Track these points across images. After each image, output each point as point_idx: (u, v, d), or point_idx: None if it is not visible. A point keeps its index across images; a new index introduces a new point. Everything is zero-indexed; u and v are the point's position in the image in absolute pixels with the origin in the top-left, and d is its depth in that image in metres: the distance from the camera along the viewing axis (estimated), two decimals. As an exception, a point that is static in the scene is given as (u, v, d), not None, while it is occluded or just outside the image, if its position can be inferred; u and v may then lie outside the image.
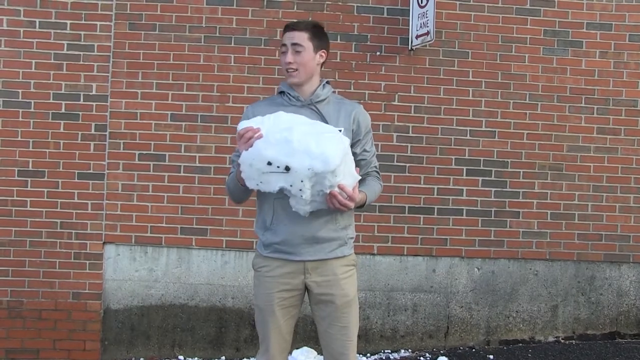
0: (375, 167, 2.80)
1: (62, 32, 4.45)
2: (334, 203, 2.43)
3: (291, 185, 2.39)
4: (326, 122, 2.61)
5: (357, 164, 2.64)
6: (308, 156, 2.33)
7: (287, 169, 2.36)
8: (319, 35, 2.69)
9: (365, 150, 2.72)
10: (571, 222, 4.75)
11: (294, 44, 2.63)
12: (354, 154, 2.61)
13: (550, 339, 4.78)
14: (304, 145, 2.34)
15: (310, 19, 4.57)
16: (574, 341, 4.77)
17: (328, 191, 2.39)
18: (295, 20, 2.76)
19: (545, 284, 4.77)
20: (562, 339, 4.79)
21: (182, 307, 4.59)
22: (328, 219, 2.63)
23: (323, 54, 2.72)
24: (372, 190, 2.71)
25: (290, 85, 2.70)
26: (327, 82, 2.78)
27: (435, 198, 4.67)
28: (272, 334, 2.73)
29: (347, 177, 2.42)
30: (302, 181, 2.36)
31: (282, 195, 2.58)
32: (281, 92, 2.74)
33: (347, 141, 2.47)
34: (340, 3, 4.61)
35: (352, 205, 2.48)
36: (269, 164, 2.38)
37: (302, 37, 2.63)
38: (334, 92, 2.79)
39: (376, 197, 2.77)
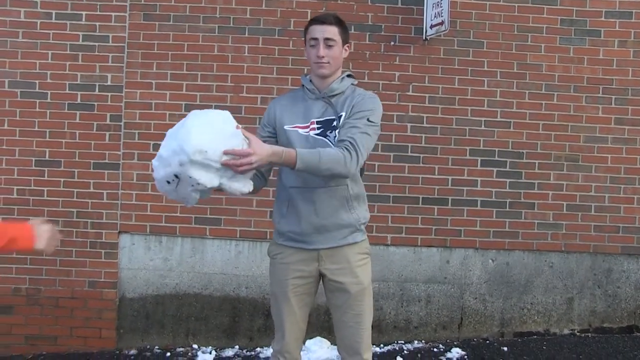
0: (349, 137, 2.54)
1: (77, 23, 4.48)
2: (235, 170, 2.31)
3: (193, 185, 2.31)
4: (336, 113, 2.66)
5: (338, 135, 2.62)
6: (175, 152, 2.27)
7: (176, 176, 2.30)
8: (345, 30, 2.75)
9: (348, 123, 2.59)
10: (587, 214, 4.69)
11: (327, 39, 2.65)
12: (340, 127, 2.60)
13: (566, 331, 4.75)
14: (172, 146, 2.28)
15: (324, 9, 4.56)
16: (590, 334, 4.72)
17: (219, 166, 2.28)
18: (322, 13, 2.81)
19: (561, 276, 4.73)
20: (578, 331, 4.75)
21: (196, 297, 4.62)
22: (339, 206, 2.66)
23: (347, 48, 2.77)
24: (316, 152, 2.46)
25: (319, 77, 2.72)
26: (350, 75, 2.79)
27: (450, 189, 4.65)
28: (287, 321, 2.77)
29: (228, 143, 2.29)
30: (190, 177, 2.27)
31: (298, 184, 2.67)
32: (302, 85, 2.80)
33: (218, 115, 2.34)
34: (354, -7, 4.59)
35: (253, 159, 2.29)
36: (168, 182, 2.33)
37: (334, 32, 2.67)
38: (354, 84, 2.79)
39: (325, 161, 2.45)
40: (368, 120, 2.61)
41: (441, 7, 4.25)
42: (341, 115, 2.66)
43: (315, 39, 2.67)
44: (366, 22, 4.59)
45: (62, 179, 4.50)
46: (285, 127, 2.72)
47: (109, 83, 4.51)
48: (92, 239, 4.51)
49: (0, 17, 4.45)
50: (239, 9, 4.56)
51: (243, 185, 2.41)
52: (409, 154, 4.62)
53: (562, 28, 4.64)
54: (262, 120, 2.84)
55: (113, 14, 4.49)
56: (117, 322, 4.59)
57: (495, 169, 4.66)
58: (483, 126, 4.64)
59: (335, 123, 2.65)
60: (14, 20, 4.46)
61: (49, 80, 4.49)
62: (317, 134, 2.66)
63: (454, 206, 4.66)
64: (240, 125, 2.35)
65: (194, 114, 2.34)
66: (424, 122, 4.62)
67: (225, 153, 2.27)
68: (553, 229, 4.69)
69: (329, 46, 2.66)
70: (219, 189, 2.38)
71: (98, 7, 4.49)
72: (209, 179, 2.29)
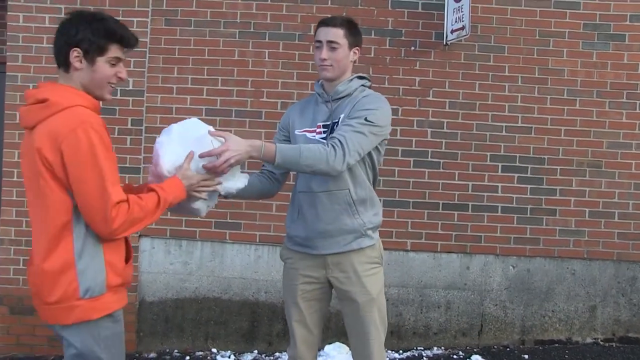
0: (339, 135, 2.48)
1: (100, 28, 4.52)
2: (216, 171, 2.30)
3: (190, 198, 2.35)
4: (332, 119, 2.62)
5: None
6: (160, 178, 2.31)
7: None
8: (353, 32, 2.68)
9: (344, 122, 2.54)
10: (611, 221, 4.63)
11: (329, 41, 2.61)
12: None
13: (589, 340, 4.68)
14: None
15: (344, 14, 4.55)
16: (614, 344, 4.65)
17: (203, 172, 2.29)
18: (329, 16, 2.76)
19: (583, 283, 4.67)
20: (601, 340, 4.67)
21: (216, 301, 4.64)
22: (342, 211, 2.62)
23: (357, 51, 2.71)
24: (297, 148, 2.42)
25: (323, 80, 2.70)
26: (360, 77, 2.74)
27: (470, 194, 4.61)
28: (296, 326, 2.76)
29: (199, 148, 2.30)
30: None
31: (303, 188, 2.67)
32: None
33: (180, 126, 2.34)
34: (374, -2, 4.59)
35: (227, 155, 2.26)
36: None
37: (337, 34, 2.62)
38: (365, 86, 2.73)
39: (306, 157, 2.39)
40: (366, 119, 2.51)
41: (462, 11, 4.23)
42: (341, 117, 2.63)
43: (320, 41, 2.64)
44: (386, 27, 4.58)
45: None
46: (296, 131, 2.73)
47: (130, 88, 4.55)
48: (113, 242, 4.54)
49: (25, 23, 4.52)
50: (259, 14, 4.58)
51: (235, 182, 2.42)
52: (429, 159, 4.59)
53: (585, 32, 4.59)
54: (278, 124, 2.87)
55: (135, 19, 4.54)
56: (137, 326, 4.62)
57: (516, 175, 4.61)
58: (504, 131, 4.61)
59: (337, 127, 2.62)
60: (39, 26, 4.52)
61: (71, 85, 4.54)
62: (322, 138, 2.63)
63: (474, 212, 4.63)
64: (211, 127, 2.36)
65: (162, 142, 2.35)
66: (445, 128, 4.59)
67: (201, 157, 2.27)
68: (575, 236, 4.63)
69: (333, 49, 2.61)
70: (219, 193, 2.41)
71: (120, 12, 4.53)
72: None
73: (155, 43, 4.56)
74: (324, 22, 2.67)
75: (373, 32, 4.56)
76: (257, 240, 4.60)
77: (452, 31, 4.36)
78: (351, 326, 2.71)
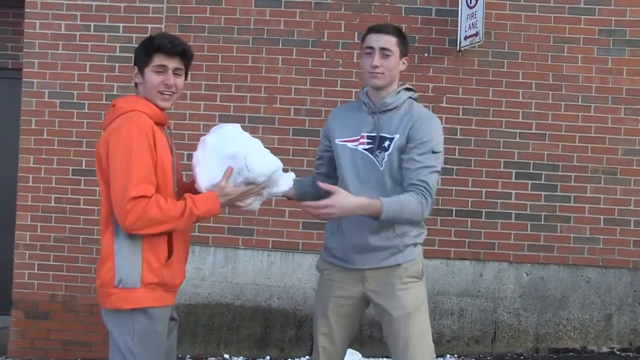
0: (426, 183, 2.47)
1: (115, 35, 4.57)
2: (313, 214, 2.36)
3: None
4: (387, 131, 2.55)
5: (403, 173, 2.51)
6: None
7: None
8: (404, 41, 2.63)
9: (413, 159, 2.49)
10: (626, 229, 4.59)
11: (382, 48, 2.54)
12: (400, 159, 2.52)
13: (604, 349, 4.63)
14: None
15: (357, 21, 4.57)
16: (631, 353, 4.59)
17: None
18: (380, 23, 2.70)
19: (598, 291, 4.62)
20: (618, 350, 4.62)
21: (228, 307, 4.64)
22: (380, 228, 2.54)
23: (405, 61, 2.65)
24: (398, 203, 2.43)
25: (372, 88, 2.61)
26: (407, 89, 2.65)
27: (483, 201, 4.59)
28: (322, 339, 2.69)
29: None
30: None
31: None
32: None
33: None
34: (388, 4, 4.58)
35: (332, 211, 2.31)
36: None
37: (391, 42, 2.55)
38: (412, 98, 2.64)
39: (407, 211, 2.44)
40: (433, 152, 2.49)
41: (476, 18, 4.22)
42: (394, 138, 2.53)
43: (371, 47, 2.56)
44: (400, 33, 4.58)
45: (97, 188, 4.56)
46: (336, 140, 2.67)
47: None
48: (127, 247, 4.57)
49: (42, 30, 4.56)
50: (273, 20, 4.60)
51: (279, 187, 2.45)
52: (443, 165, 4.56)
53: (600, 38, 4.56)
54: (321, 132, 2.83)
55: (149, 25, 4.57)
56: (150, 330, 4.63)
57: (530, 182, 4.59)
58: (518, 138, 4.59)
59: (386, 144, 2.54)
60: (55, 33, 4.56)
61: (86, 91, 4.58)
62: (365, 149, 2.57)
63: (488, 219, 4.60)
64: (246, 134, 2.41)
65: (198, 160, 2.36)
66: (458, 134, 4.58)
67: (310, 207, 2.35)
68: (590, 243, 4.59)
69: (385, 56, 2.54)
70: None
71: (135, 19, 4.57)
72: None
73: (170, 49, 4.59)
74: (376, 29, 2.60)
75: (386, 38, 4.56)
76: (270, 247, 4.60)
77: (466, 37, 4.36)
78: (390, 343, 2.62)
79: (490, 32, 4.50)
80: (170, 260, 2.32)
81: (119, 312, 2.29)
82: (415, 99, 2.67)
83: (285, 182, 2.46)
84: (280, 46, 4.60)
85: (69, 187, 4.58)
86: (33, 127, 4.57)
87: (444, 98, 4.59)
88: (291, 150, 4.58)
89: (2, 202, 5.20)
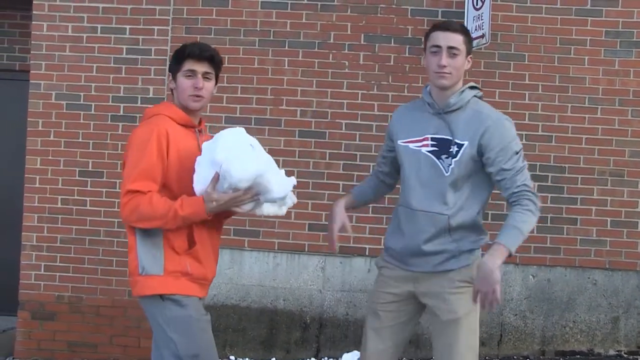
0: (524, 185, 2.45)
1: (121, 37, 4.58)
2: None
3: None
4: (453, 135, 2.49)
5: (496, 183, 2.50)
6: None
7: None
8: (470, 39, 2.58)
9: (503, 169, 2.45)
10: (633, 231, 4.57)
11: (450, 47, 2.47)
12: (489, 173, 2.48)
13: (611, 352, 4.61)
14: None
15: (364, 22, 4.57)
16: (639, 357, 4.56)
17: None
18: (446, 20, 2.63)
19: (605, 294, 4.61)
20: (625, 353, 4.60)
21: (234, 308, 4.64)
22: (437, 233, 2.50)
23: (470, 60, 2.58)
24: (515, 232, 2.40)
25: (438, 88, 2.54)
26: (472, 87, 2.58)
27: (490, 203, 4.48)
28: (370, 334, 2.65)
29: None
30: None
31: (402, 203, 2.61)
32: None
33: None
34: (394, 6, 4.58)
35: (493, 297, 2.30)
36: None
37: (458, 40, 2.49)
38: (477, 96, 2.58)
39: (526, 229, 2.42)
40: (516, 153, 2.46)
41: (482, 19, 4.22)
42: (463, 145, 2.47)
43: (438, 46, 2.48)
44: (406, 35, 4.58)
45: (104, 190, 4.59)
46: (399, 141, 2.62)
47: (150, 95, 4.59)
48: (133, 248, 4.58)
49: (49, 32, 4.58)
50: (279, 22, 4.60)
51: (278, 191, 2.40)
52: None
53: (607, 40, 4.55)
54: (385, 134, 2.79)
55: (156, 27, 4.58)
56: (156, 332, 4.64)
57: (536, 184, 4.53)
58: (524, 140, 4.55)
59: (453, 150, 2.48)
60: (62, 35, 4.58)
61: (93, 93, 4.59)
62: (429, 152, 2.52)
63: (494, 220, 4.56)
64: (249, 139, 2.40)
65: (198, 162, 2.39)
66: (464, 136, 4.57)
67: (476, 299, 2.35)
68: (597, 246, 4.57)
69: (453, 55, 2.46)
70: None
71: (141, 21, 4.58)
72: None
73: (176, 51, 4.60)
74: (443, 27, 2.53)
75: (392, 40, 4.56)
76: (276, 248, 4.61)
77: (472, 39, 4.34)
78: (434, 344, 2.59)
79: (497, 34, 4.50)
80: (191, 250, 2.41)
81: (149, 300, 2.41)
82: (480, 97, 2.60)
83: (280, 187, 2.39)
84: (286, 48, 4.61)
85: (76, 188, 4.59)
86: (40, 128, 4.59)
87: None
88: (297, 152, 4.58)
89: (9, 203, 5.22)
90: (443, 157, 2.49)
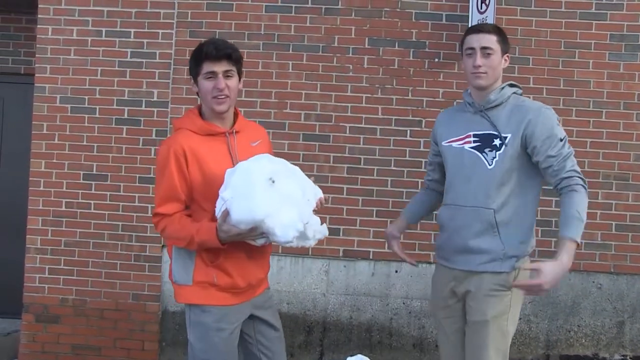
0: (573, 170, 2.49)
1: (126, 40, 4.59)
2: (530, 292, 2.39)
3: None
4: (496, 129, 2.53)
5: (544, 172, 2.52)
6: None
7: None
8: (504, 38, 2.62)
9: (549, 156, 2.48)
10: (638, 235, 4.54)
11: (484, 47, 2.54)
12: (536, 162, 2.50)
13: (617, 357, 4.59)
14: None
15: (368, 26, 4.57)
16: (643, 362, 4.57)
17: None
18: (479, 23, 2.73)
19: (610, 298, 4.59)
20: (630, 358, 4.58)
21: (238, 311, 4.63)
22: (482, 230, 2.51)
23: (507, 58, 2.64)
24: (575, 219, 2.42)
25: (476, 88, 2.61)
26: (511, 85, 2.65)
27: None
28: (440, 343, 2.69)
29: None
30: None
31: (447, 201, 2.64)
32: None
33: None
34: (398, 10, 4.58)
35: (548, 287, 2.32)
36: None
37: (491, 40, 2.55)
38: (517, 93, 2.64)
39: (583, 211, 2.47)
40: (560, 140, 2.50)
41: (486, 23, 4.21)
42: (507, 137, 2.50)
43: (472, 48, 2.56)
44: (410, 38, 4.58)
45: (108, 193, 4.59)
46: (442, 143, 2.66)
47: (155, 99, 4.60)
48: (136, 252, 4.58)
49: (54, 36, 4.59)
50: (283, 25, 4.61)
51: (281, 234, 2.37)
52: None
53: (612, 43, 4.54)
54: (430, 136, 2.84)
55: (160, 31, 4.59)
56: (160, 335, 4.64)
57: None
58: (529, 143, 4.56)
59: (496, 142, 2.51)
60: (67, 39, 4.59)
61: (97, 96, 4.60)
62: (472, 148, 2.55)
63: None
64: (270, 171, 2.36)
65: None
66: (468, 139, 4.56)
67: (526, 290, 2.39)
68: (601, 250, 4.56)
69: (487, 55, 2.54)
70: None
71: (146, 24, 4.59)
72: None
73: (180, 54, 4.60)
74: (476, 29, 2.61)
75: (397, 43, 4.57)
76: (280, 251, 4.60)
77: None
78: (465, 348, 2.58)
79: (501, 38, 4.49)
80: (217, 263, 2.44)
81: (185, 306, 2.55)
82: (520, 95, 2.64)
83: (285, 232, 2.32)
84: (290, 51, 4.61)
85: (80, 191, 4.59)
86: (44, 131, 4.60)
87: (454, 103, 4.57)
88: (301, 155, 4.58)
89: (14, 206, 5.23)
90: (486, 150, 2.51)
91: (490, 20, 4.16)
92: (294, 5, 4.60)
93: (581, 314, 4.59)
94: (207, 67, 2.41)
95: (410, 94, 4.56)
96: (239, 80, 2.52)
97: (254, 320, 2.62)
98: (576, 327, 4.60)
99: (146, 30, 4.60)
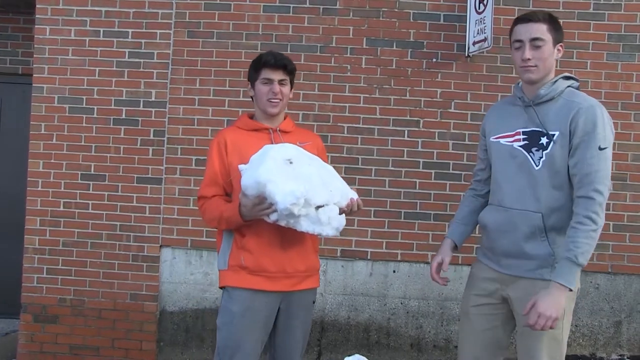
0: (596, 192, 2.25)
1: (124, 40, 4.59)
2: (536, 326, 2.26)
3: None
4: (542, 126, 2.37)
5: (571, 179, 2.34)
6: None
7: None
8: (556, 27, 2.42)
9: (580, 160, 2.27)
10: (636, 235, 4.55)
11: (533, 39, 2.35)
12: (564, 160, 2.32)
13: (614, 356, 4.59)
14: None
15: (366, 26, 4.57)
16: (641, 361, 4.57)
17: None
18: (528, 12, 2.51)
19: (607, 298, 4.59)
20: (628, 357, 4.59)
21: (236, 311, 4.64)
22: (530, 234, 2.38)
23: (560, 48, 2.44)
24: (587, 245, 2.27)
25: (526, 82, 2.44)
26: (567, 77, 2.44)
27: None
28: (463, 337, 2.58)
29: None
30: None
31: (494, 202, 2.53)
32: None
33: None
34: (396, 10, 4.58)
35: (547, 324, 2.23)
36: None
37: (541, 30, 2.36)
38: (572, 87, 2.44)
39: (585, 254, 2.29)
40: (600, 148, 2.25)
41: (484, 23, 4.21)
42: (554, 135, 2.33)
43: (520, 40, 2.38)
44: (408, 38, 4.58)
45: (106, 193, 4.60)
46: (490, 138, 2.54)
47: (153, 99, 4.60)
48: (135, 252, 4.59)
49: (52, 36, 4.59)
50: (281, 25, 4.61)
51: (324, 226, 2.54)
52: (451, 171, 4.57)
53: (610, 44, 4.54)
54: (480, 129, 2.71)
55: (158, 31, 4.59)
56: (158, 335, 4.64)
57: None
58: (527, 143, 4.56)
59: (543, 141, 2.35)
60: (65, 39, 4.59)
61: (95, 96, 4.60)
62: (520, 146, 2.40)
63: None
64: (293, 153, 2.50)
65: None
66: (466, 140, 4.56)
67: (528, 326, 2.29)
68: (599, 250, 4.55)
69: (536, 47, 2.35)
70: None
71: (144, 24, 4.59)
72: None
73: (178, 55, 4.61)
74: (524, 19, 2.41)
75: (395, 44, 4.57)
76: (278, 251, 4.60)
77: (474, 43, 4.34)
78: (519, 354, 2.49)
79: (499, 38, 4.49)
80: (243, 243, 2.61)
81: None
82: (576, 88, 2.44)
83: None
84: (288, 51, 4.60)
85: (78, 191, 4.60)
86: (42, 132, 4.60)
87: (452, 103, 4.58)
88: (299, 155, 4.57)
89: (12, 206, 5.24)
90: (533, 150, 2.37)
91: (488, 20, 4.16)
92: (291, 6, 4.60)
93: (579, 313, 4.60)
94: (264, 73, 2.71)
95: (408, 94, 4.56)
96: (291, 89, 2.81)
97: (278, 316, 2.73)
98: (574, 327, 4.60)
99: (144, 30, 4.60)
